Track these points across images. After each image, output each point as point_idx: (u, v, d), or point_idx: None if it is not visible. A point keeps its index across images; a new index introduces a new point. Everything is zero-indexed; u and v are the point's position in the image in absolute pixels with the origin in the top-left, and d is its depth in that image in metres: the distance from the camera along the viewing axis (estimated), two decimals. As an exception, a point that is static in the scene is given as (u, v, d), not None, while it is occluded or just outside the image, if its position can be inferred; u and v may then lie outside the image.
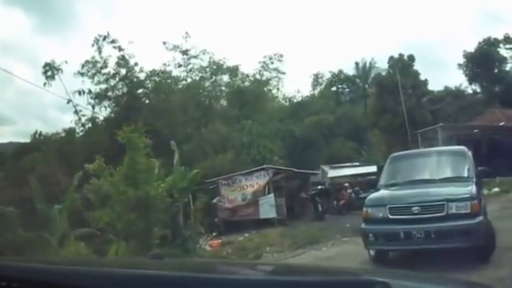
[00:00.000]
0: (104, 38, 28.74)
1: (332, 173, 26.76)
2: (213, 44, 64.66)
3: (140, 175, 10.85)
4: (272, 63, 32.85)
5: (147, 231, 11.59)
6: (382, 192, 8.95)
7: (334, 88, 50.31)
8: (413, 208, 7.94)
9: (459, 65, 39.70)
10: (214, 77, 32.07)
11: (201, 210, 18.16)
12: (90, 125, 30.31)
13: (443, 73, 62.29)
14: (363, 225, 8.64)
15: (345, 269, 3.25)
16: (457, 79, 45.24)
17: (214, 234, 17.10)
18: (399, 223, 8.01)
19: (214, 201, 19.16)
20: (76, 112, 29.48)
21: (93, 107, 29.34)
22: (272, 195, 18.58)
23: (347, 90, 51.49)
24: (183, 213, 16.61)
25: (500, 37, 38.96)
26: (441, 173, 9.10)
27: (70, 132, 31.09)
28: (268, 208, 18.19)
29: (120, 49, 28.52)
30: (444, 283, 1.94)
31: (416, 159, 9.96)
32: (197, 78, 31.59)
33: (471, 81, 39.81)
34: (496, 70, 38.56)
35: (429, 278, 2.00)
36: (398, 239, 7.96)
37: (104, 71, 28.92)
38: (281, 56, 32.82)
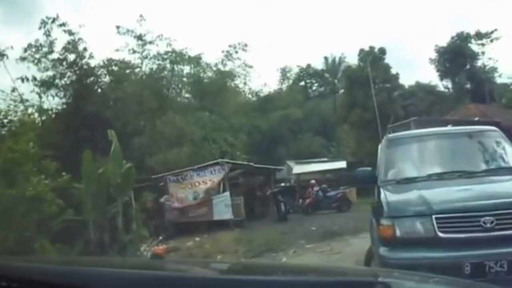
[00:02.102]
0: (53, 21, 26.07)
1: (298, 169, 24.98)
2: (172, 31, 61.77)
3: (20, 168, 8.25)
4: (236, 52, 30.74)
5: (22, 248, 8.43)
6: (412, 192, 5.32)
7: (302, 83, 49.08)
8: (483, 219, 4.62)
9: (431, 60, 38.76)
10: (173, 66, 29.77)
11: (146, 210, 16.11)
12: (37, 115, 27.62)
13: (413, 71, 61.81)
14: (383, 251, 4.95)
15: (345, 269, 3.18)
16: (427, 77, 44.60)
17: (160, 238, 14.98)
18: (460, 246, 4.67)
19: (162, 200, 16.94)
20: (22, 101, 26.80)
21: (39, 95, 26.68)
22: (227, 193, 16.40)
23: (315, 84, 50.26)
24: (124, 214, 14.49)
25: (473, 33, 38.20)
26: (479, 162, 6.01)
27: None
28: (223, 208, 16.02)
29: (70, 33, 25.90)
30: (445, 284, 1.85)
31: (430, 143, 6.59)
32: (154, 66, 29.23)
33: (442, 76, 38.85)
34: (468, 66, 37.71)
35: (429, 279, 1.96)
36: (459, 276, 4.16)
37: (51, 56, 26.23)
38: (246, 45, 30.74)
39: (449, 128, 7.60)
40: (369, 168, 6.31)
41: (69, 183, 11.16)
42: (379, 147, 6.74)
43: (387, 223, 5.01)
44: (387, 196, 5.38)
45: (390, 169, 6.10)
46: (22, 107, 26.30)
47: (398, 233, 4.87)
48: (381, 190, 5.57)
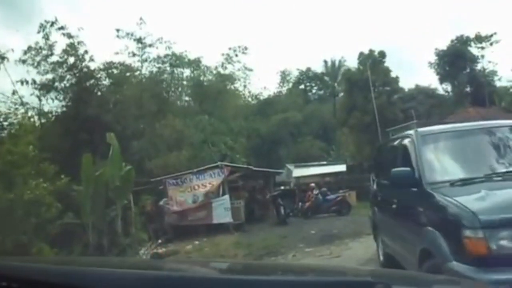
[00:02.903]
0: (52, 24, 26.08)
1: (298, 172, 24.92)
2: (172, 34, 61.73)
3: (19, 171, 8.14)
4: (236, 55, 30.72)
5: (20, 252, 8.15)
6: (489, 196, 4.39)
7: (302, 86, 49.08)
8: None
9: (431, 63, 38.70)
10: (173, 69, 29.77)
11: (145, 213, 16.08)
12: (37, 118, 27.61)
13: (413, 74, 61.79)
14: (471, 272, 3.81)
15: (345, 269, 3.20)
16: (427, 80, 44.60)
17: (159, 241, 14.93)
18: None
19: (161, 203, 16.85)
20: (22, 104, 26.76)
21: (39, 98, 26.66)
22: (227, 196, 16.31)
23: (315, 88, 50.23)
24: (123, 217, 14.46)
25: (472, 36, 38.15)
26: None
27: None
28: (222, 211, 15.91)
29: (69, 36, 25.88)
30: (445, 284, 1.89)
31: (472, 138, 5.72)
32: (154, 69, 29.23)
33: (442, 80, 38.78)
34: (467, 69, 37.65)
35: (429, 279, 1.96)
36: None
37: (50, 59, 26.20)
38: (246, 48, 30.73)
39: (488, 122, 6.72)
40: (407, 169, 5.31)
41: (68, 186, 11.09)
42: (408, 144, 5.81)
43: (477, 235, 3.90)
44: (462, 201, 4.29)
45: (434, 169, 5.20)
46: (22, 110, 26.30)
47: (494, 247, 3.82)
48: (436, 194, 4.74)
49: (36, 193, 8.72)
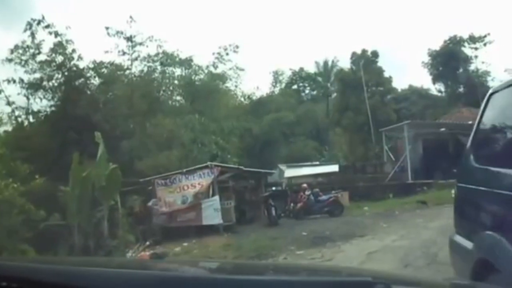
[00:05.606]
0: (39, 23, 25.67)
1: (290, 172, 24.66)
2: (163, 33, 61.27)
3: None
4: (227, 54, 30.33)
5: None
6: None
7: (295, 86, 48.93)
8: None
9: (424, 63, 38.60)
10: (164, 68, 29.38)
11: (133, 214, 15.73)
12: (24, 118, 27.23)
13: (406, 75, 61.76)
14: None
15: (345, 269, 3.13)
16: (420, 81, 44.58)
17: (148, 243, 14.56)
18: None
19: (150, 204, 16.50)
20: (8, 103, 26.34)
21: (27, 98, 26.25)
22: (217, 197, 15.95)
23: (308, 88, 50.11)
24: (110, 218, 14.11)
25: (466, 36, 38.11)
26: None
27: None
28: (212, 212, 15.56)
29: (56, 34, 25.48)
30: (443, 285, 1.85)
31: None
32: (145, 68, 28.81)
33: (435, 80, 38.73)
34: (461, 69, 37.63)
35: (428, 280, 1.93)
36: None
37: (38, 58, 25.79)
38: (237, 47, 30.28)
39: None
40: None
41: (44, 187, 10.63)
42: None
43: None
44: None
45: None
46: (9, 109, 25.92)
47: None
48: None
49: (6, 194, 8.33)
